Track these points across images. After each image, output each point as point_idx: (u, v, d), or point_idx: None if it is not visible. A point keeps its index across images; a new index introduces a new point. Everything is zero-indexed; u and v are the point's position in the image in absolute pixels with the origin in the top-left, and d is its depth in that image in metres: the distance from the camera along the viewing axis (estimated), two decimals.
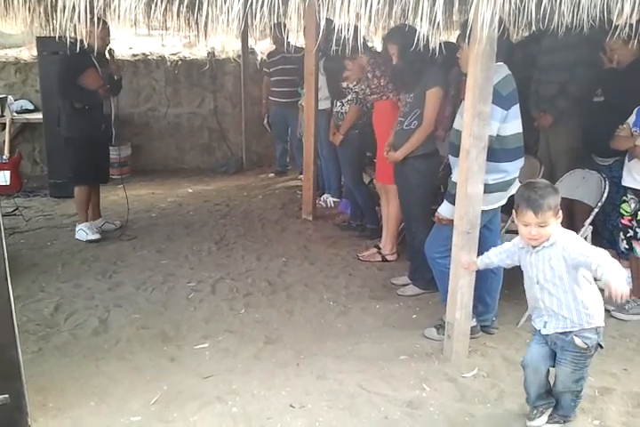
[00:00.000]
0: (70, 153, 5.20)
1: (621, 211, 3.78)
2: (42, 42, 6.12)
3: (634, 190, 3.66)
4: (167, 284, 4.36)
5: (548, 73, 4.71)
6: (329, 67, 5.56)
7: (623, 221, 3.77)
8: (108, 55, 5.13)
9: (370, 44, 5.30)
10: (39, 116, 6.72)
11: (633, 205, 3.68)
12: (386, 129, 4.36)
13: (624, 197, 3.74)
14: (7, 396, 2.58)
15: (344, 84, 5.09)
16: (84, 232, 5.22)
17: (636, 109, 3.67)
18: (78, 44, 4.64)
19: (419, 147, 3.98)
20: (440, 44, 2.99)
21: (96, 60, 4.95)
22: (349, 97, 5.10)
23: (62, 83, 4.98)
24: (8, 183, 6.50)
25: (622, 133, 3.68)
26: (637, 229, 3.68)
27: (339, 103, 5.23)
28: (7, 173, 6.52)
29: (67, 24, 2.46)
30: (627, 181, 3.70)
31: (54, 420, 2.80)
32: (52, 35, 5.42)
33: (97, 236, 5.22)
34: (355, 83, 4.98)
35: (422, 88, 3.90)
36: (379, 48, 5.19)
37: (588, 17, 2.61)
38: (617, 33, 2.98)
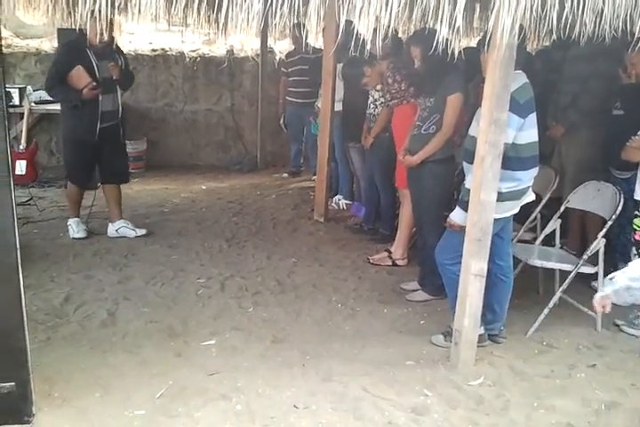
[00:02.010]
0: (63, 151, 5.12)
1: (634, 226, 3.75)
2: (63, 33, 6.15)
3: None
4: (177, 279, 4.38)
5: (567, 83, 4.69)
6: (347, 73, 5.54)
7: (635, 237, 3.74)
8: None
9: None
10: (57, 107, 6.74)
11: None
12: (405, 133, 4.31)
13: (636, 212, 3.71)
14: (13, 384, 2.61)
15: (368, 87, 5.04)
16: (71, 229, 5.14)
17: None
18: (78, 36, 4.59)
19: (437, 152, 3.95)
20: (461, 50, 2.98)
21: (94, 56, 4.73)
22: (383, 99, 4.96)
23: (47, 80, 4.88)
24: (24, 173, 6.55)
25: (635, 145, 3.65)
26: None
27: (372, 106, 5.12)
28: (23, 163, 6.57)
29: (87, 16, 2.47)
30: (639, 194, 3.67)
31: (59, 409, 2.82)
32: (73, 26, 5.43)
33: (82, 234, 5.10)
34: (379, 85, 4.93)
35: (443, 93, 3.86)
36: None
37: (610, 27, 2.59)
38: (638, 46, 2.95)
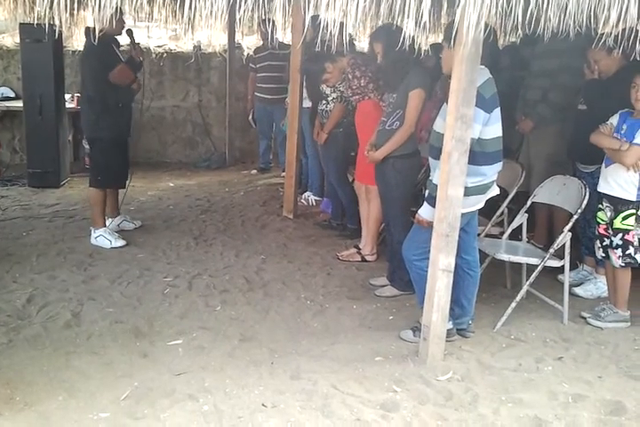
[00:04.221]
0: (96, 155, 4.85)
1: (597, 219, 3.79)
2: (25, 29, 6.04)
3: (609, 198, 3.67)
4: (143, 278, 4.31)
5: (536, 78, 4.73)
6: (308, 69, 5.53)
7: (599, 230, 3.78)
8: (127, 37, 4.81)
9: (356, 44, 5.27)
10: (20, 104, 6.63)
11: (609, 214, 3.69)
12: (368, 129, 4.34)
13: (600, 206, 3.75)
14: None
15: (329, 84, 5.04)
16: (105, 239, 4.84)
17: (618, 113, 3.65)
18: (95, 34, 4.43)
19: (399, 147, 3.98)
20: (430, 46, 2.98)
21: (117, 50, 4.64)
22: (334, 95, 5.06)
23: (99, 82, 4.61)
24: None
25: (606, 132, 3.65)
26: (613, 238, 3.69)
27: (323, 101, 5.20)
28: None
29: (46, 11, 2.41)
30: (602, 186, 3.71)
31: (21, 414, 2.74)
32: (35, 22, 5.30)
33: (122, 241, 4.86)
34: (340, 82, 4.95)
35: (405, 89, 3.89)
36: (364, 49, 5.16)
37: (574, 23, 2.61)
38: (601, 42, 2.97)
